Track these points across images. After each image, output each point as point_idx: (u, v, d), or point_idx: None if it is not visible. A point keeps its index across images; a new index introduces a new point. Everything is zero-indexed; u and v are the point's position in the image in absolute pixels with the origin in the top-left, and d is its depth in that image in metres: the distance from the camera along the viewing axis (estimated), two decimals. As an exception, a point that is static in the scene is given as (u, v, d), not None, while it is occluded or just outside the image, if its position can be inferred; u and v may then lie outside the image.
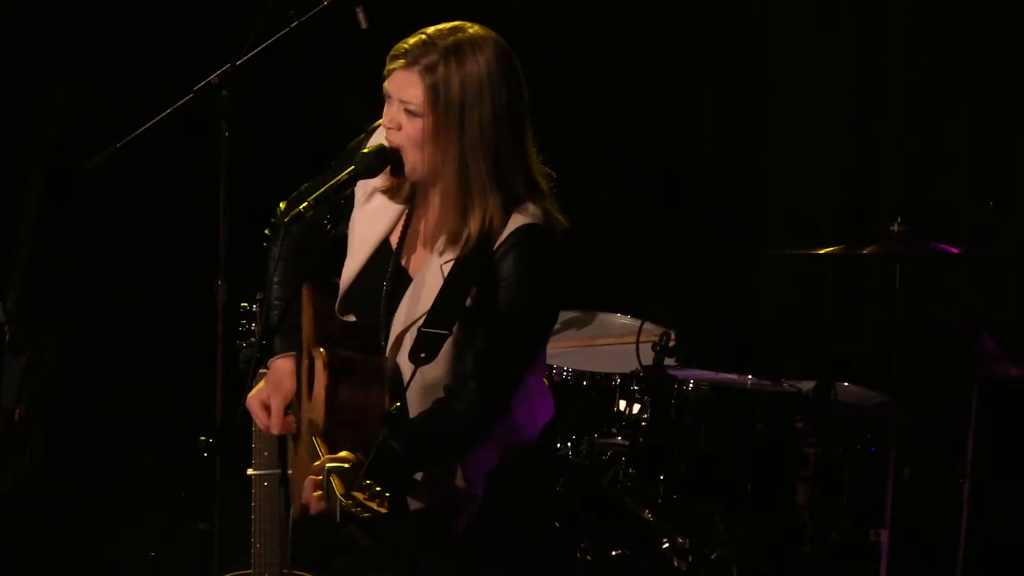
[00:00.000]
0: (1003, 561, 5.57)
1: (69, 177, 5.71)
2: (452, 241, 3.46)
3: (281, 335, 3.66)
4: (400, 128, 3.43)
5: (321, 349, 3.48)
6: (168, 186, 6.56)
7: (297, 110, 6.50)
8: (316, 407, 3.48)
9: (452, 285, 3.43)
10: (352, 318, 3.60)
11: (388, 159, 3.45)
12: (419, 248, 3.56)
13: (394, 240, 3.59)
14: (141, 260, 6.75)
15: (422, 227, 3.56)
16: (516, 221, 3.44)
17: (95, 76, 6.34)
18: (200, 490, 3.48)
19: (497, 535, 3.58)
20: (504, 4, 6.42)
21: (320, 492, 3.29)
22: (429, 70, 3.39)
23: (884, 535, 4.79)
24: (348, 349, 3.49)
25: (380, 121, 3.61)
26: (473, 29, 3.46)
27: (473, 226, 3.43)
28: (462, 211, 3.44)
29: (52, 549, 6.08)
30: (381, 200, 3.56)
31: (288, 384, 3.62)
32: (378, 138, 3.58)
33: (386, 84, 3.45)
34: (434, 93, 3.39)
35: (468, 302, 3.41)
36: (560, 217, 3.50)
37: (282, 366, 3.64)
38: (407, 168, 3.46)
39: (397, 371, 3.48)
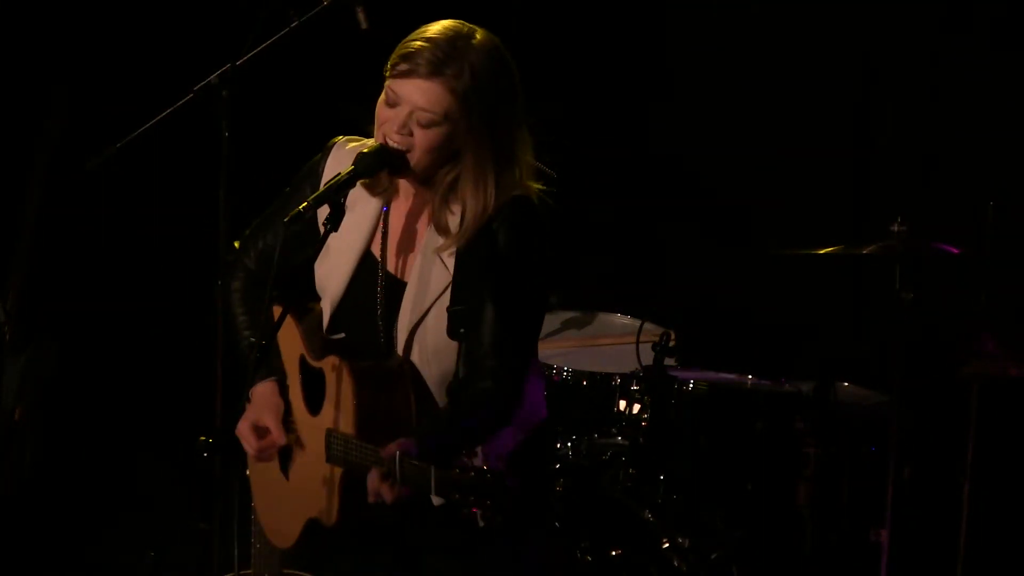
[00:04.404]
0: (1003, 561, 5.57)
1: (69, 177, 5.70)
2: (445, 232, 3.46)
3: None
4: (411, 134, 3.42)
5: (334, 359, 3.48)
6: (168, 186, 6.55)
7: (297, 110, 6.49)
8: (337, 417, 3.46)
9: (464, 269, 3.44)
10: (341, 335, 3.59)
11: (389, 159, 3.44)
12: (403, 250, 3.55)
13: (376, 249, 3.57)
14: (141, 260, 6.74)
15: (401, 226, 3.56)
16: (506, 195, 3.44)
17: (95, 76, 6.33)
18: (200, 490, 3.48)
19: (516, 529, 3.51)
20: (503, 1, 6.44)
21: (390, 480, 3.23)
22: (456, 79, 3.38)
23: (884, 535, 4.79)
24: (356, 358, 3.49)
25: (340, 137, 3.61)
26: (480, 33, 3.45)
27: (471, 216, 3.44)
28: (462, 206, 3.45)
29: (52, 549, 6.08)
30: (350, 215, 3.51)
31: (278, 401, 3.61)
32: (339, 158, 3.56)
33: (395, 88, 3.41)
34: (464, 105, 3.38)
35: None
36: (546, 197, 3.51)
37: (264, 390, 3.62)
38: (412, 169, 3.45)
39: (413, 370, 3.48)
